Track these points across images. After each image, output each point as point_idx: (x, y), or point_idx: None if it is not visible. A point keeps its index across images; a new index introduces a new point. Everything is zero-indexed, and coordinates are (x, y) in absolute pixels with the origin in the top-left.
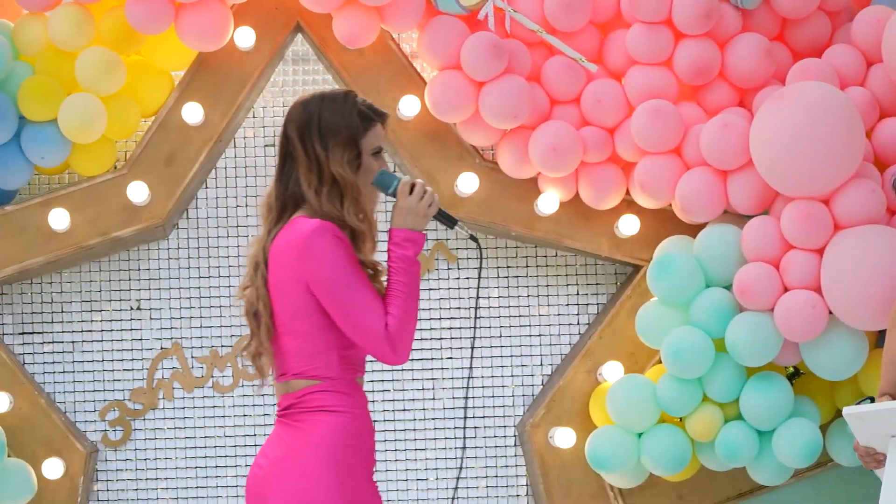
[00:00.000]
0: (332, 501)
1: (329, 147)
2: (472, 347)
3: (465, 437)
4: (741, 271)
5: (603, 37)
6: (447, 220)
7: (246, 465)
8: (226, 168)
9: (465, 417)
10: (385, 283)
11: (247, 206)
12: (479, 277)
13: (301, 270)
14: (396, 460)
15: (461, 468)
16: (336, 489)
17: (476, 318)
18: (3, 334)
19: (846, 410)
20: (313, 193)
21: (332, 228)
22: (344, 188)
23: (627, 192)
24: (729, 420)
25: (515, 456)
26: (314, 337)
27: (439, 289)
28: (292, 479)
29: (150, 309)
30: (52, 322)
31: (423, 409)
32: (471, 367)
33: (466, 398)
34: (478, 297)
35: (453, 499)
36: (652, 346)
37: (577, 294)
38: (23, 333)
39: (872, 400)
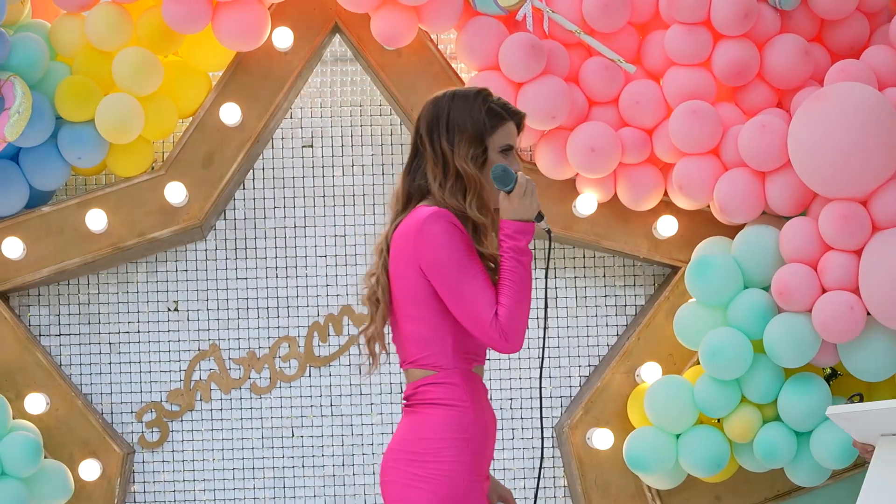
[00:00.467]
0: (431, 497)
1: (455, 143)
2: (543, 347)
3: (541, 446)
4: (779, 272)
5: (641, 37)
6: (538, 214)
7: (283, 467)
8: (263, 169)
9: (542, 426)
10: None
11: (284, 206)
12: (547, 276)
13: (415, 254)
14: None
15: (538, 476)
16: (437, 484)
17: (546, 317)
18: (41, 335)
19: (829, 410)
20: (437, 186)
21: (447, 215)
22: (468, 183)
23: (665, 194)
24: (767, 421)
25: (553, 457)
26: (428, 322)
27: None
28: (403, 468)
29: (188, 310)
30: (90, 323)
31: None
32: (541, 368)
33: (541, 399)
34: (546, 298)
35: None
36: (690, 347)
37: (615, 295)
38: (60, 335)
39: (862, 398)
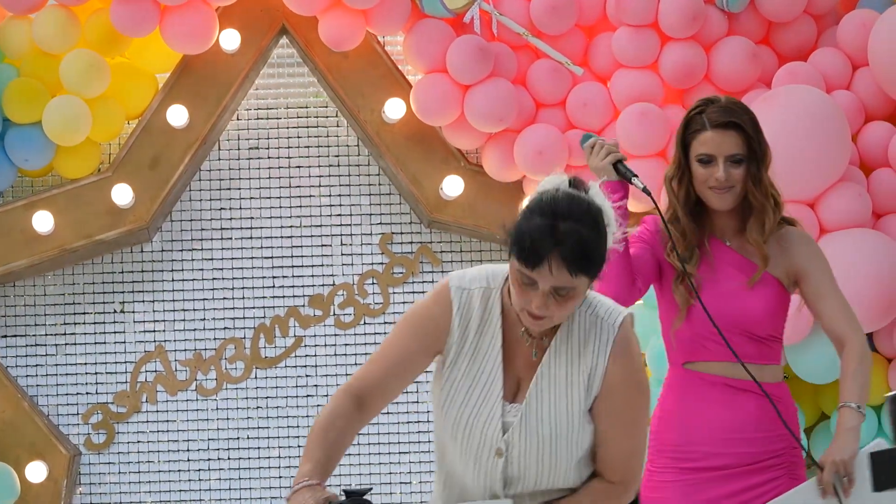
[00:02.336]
0: None
1: None
2: None
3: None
4: None
5: (589, 40)
6: (625, 173)
7: (230, 468)
8: (210, 171)
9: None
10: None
11: (230, 208)
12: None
13: None
14: (380, 463)
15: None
16: None
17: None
18: None
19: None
20: None
21: None
22: None
23: None
24: None
25: None
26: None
27: (423, 292)
28: None
29: (134, 312)
30: (36, 325)
31: (407, 413)
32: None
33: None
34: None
35: None
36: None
37: None
38: (6, 336)
39: None
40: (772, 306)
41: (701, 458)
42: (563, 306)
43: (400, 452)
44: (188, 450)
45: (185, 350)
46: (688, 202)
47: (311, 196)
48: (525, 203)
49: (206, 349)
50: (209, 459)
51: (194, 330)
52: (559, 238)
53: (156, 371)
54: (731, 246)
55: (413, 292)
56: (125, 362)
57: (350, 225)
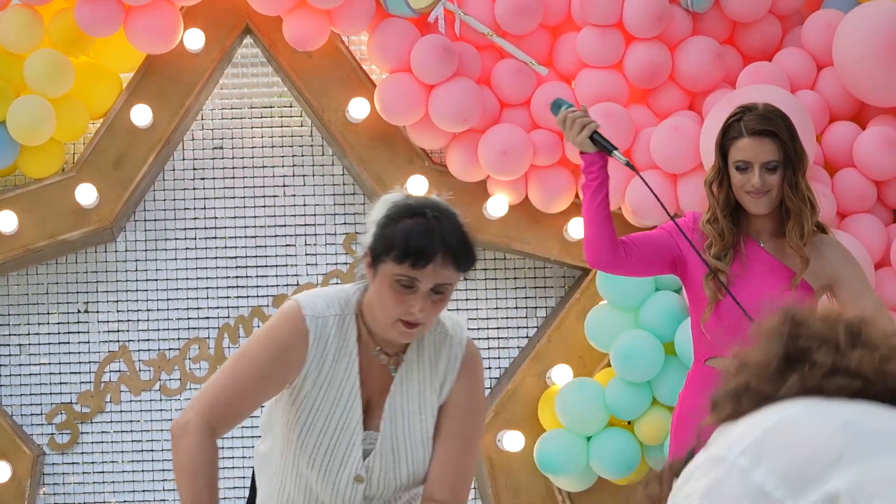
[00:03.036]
0: None
1: None
2: None
3: None
4: None
5: (553, 40)
6: (605, 146)
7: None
8: (174, 171)
9: None
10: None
11: (195, 208)
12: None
13: None
14: None
15: None
16: None
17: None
18: None
19: None
20: None
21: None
22: None
23: (577, 196)
24: None
25: None
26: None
27: None
28: None
29: (98, 312)
30: None
31: None
32: None
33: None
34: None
35: None
36: (601, 349)
37: (527, 297)
38: None
39: None
40: None
41: None
42: (438, 306)
43: None
44: (152, 450)
45: (149, 350)
46: (727, 205)
47: (275, 196)
48: (379, 216)
49: (169, 349)
50: (172, 460)
51: (158, 330)
52: (443, 234)
53: (119, 371)
54: (764, 247)
55: None
56: (89, 362)
57: (314, 225)
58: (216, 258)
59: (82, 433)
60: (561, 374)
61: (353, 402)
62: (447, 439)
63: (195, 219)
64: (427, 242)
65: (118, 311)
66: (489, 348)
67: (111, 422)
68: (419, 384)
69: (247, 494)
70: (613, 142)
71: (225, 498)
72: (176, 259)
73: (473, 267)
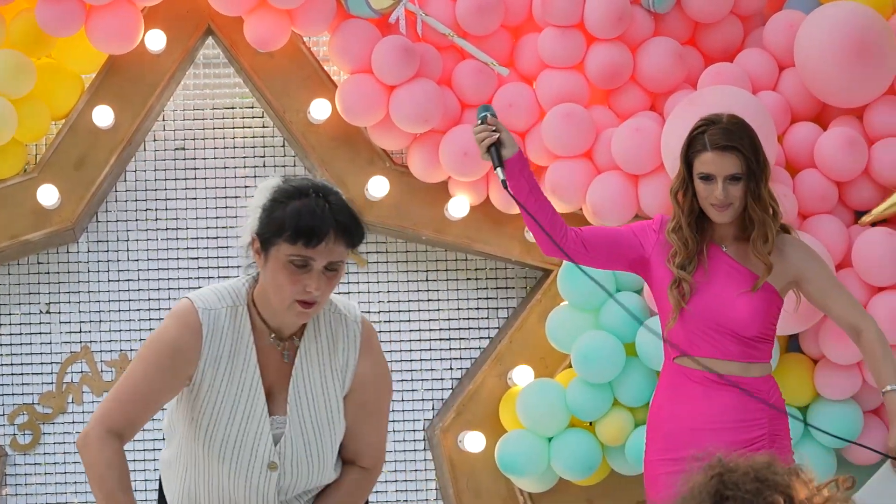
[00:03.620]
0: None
1: None
2: None
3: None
4: None
5: (514, 40)
6: (492, 159)
7: (155, 469)
8: (136, 171)
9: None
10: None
11: (156, 209)
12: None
13: None
14: None
15: None
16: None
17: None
18: None
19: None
20: None
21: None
22: None
23: None
24: (639, 425)
25: (425, 460)
26: None
27: (349, 292)
28: None
29: (60, 312)
30: None
31: None
32: None
33: None
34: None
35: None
36: (562, 350)
37: (488, 298)
38: None
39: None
40: (759, 311)
41: (682, 448)
42: (332, 283)
43: None
44: None
45: (111, 351)
46: (692, 213)
47: (237, 196)
48: (262, 201)
49: (131, 350)
50: (134, 460)
51: (120, 331)
52: (333, 211)
53: (82, 372)
54: (727, 252)
55: (338, 293)
56: (51, 363)
57: None
58: (178, 259)
59: (44, 434)
60: (522, 375)
61: (255, 390)
62: (367, 415)
63: (157, 219)
64: (318, 221)
65: (80, 312)
66: (450, 349)
67: (73, 422)
68: (320, 366)
69: None
70: (576, 142)
71: None
72: (138, 260)
73: (363, 241)
